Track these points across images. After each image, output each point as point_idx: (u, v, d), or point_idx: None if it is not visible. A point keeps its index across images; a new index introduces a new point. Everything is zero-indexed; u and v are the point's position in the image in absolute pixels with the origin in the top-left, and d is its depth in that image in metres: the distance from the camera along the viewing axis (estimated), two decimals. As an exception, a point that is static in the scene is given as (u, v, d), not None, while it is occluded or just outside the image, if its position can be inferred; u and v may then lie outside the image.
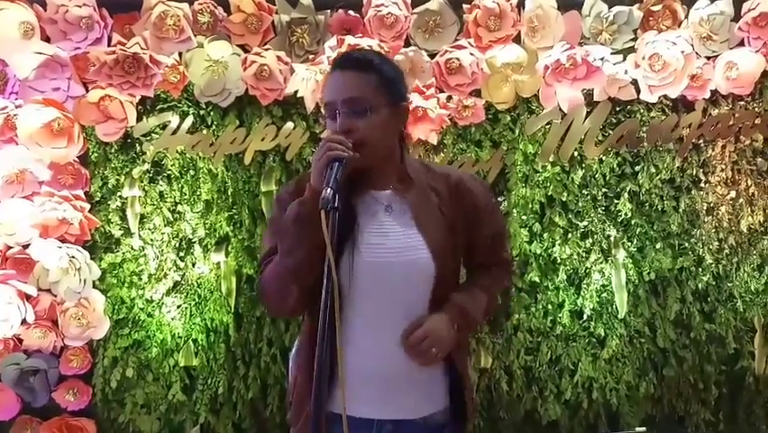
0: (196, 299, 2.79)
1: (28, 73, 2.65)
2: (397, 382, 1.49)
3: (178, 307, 2.79)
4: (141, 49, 2.61)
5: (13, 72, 2.69)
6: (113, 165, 2.77)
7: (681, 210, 2.84)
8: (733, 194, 2.85)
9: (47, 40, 2.69)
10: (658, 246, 2.83)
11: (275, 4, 2.70)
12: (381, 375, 1.48)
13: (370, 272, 1.45)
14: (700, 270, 2.84)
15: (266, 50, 2.65)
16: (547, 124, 2.79)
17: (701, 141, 2.84)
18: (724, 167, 2.86)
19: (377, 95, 1.45)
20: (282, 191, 1.61)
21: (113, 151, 2.77)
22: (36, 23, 2.66)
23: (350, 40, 2.58)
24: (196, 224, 2.78)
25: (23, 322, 2.67)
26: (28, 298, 2.68)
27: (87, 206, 2.73)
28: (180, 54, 2.69)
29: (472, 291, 1.60)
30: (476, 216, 1.58)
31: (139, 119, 2.73)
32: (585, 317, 2.83)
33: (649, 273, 2.83)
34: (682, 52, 2.68)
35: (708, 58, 2.78)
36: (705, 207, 2.85)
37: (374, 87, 1.45)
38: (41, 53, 2.64)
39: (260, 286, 1.56)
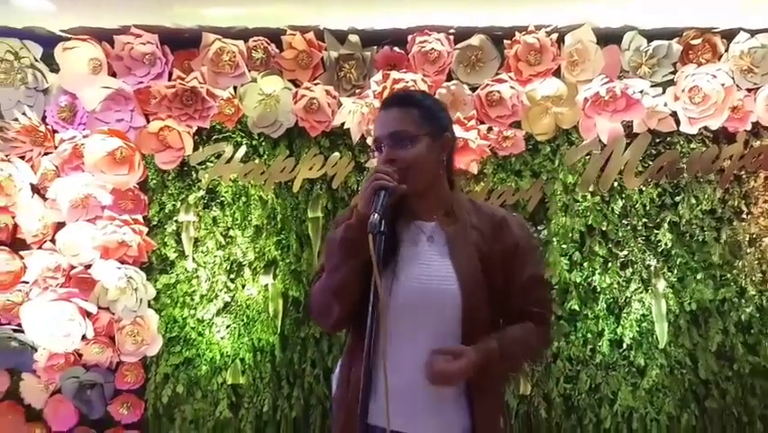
0: (245, 320, 2.91)
1: (95, 105, 2.85)
2: (426, 399, 1.54)
3: (227, 327, 2.91)
4: (199, 83, 2.78)
5: (82, 105, 2.89)
6: (170, 191, 2.94)
7: (722, 241, 2.84)
8: (776, 225, 2.84)
9: (113, 75, 2.89)
10: (699, 277, 2.83)
11: (324, 42, 2.85)
12: (413, 390, 1.54)
13: (405, 295, 1.54)
14: (743, 301, 2.83)
15: (315, 84, 2.80)
16: (587, 154, 2.84)
17: (743, 172, 2.86)
18: (767, 198, 2.86)
19: (418, 127, 1.54)
20: (339, 216, 1.74)
21: (170, 178, 2.94)
22: (104, 60, 2.87)
23: (395, 75, 2.70)
24: (247, 248, 2.91)
25: (83, 338, 2.83)
26: (88, 315, 2.84)
27: (145, 229, 2.89)
28: (235, 88, 2.86)
29: (510, 337, 1.59)
30: (514, 253, 1.60)
31: (195, 148, 2.90)
32: (625, 346, 2.84)
33: (690, 304, 2.83)
34: (722, 85, 2.72)
35: (749, 90, 2.80)
36: (747, 239, 2.84)
37: (415, 120, 1.54)
38: (107, 87, 2.84)
39: (309, 301, 1.71)
